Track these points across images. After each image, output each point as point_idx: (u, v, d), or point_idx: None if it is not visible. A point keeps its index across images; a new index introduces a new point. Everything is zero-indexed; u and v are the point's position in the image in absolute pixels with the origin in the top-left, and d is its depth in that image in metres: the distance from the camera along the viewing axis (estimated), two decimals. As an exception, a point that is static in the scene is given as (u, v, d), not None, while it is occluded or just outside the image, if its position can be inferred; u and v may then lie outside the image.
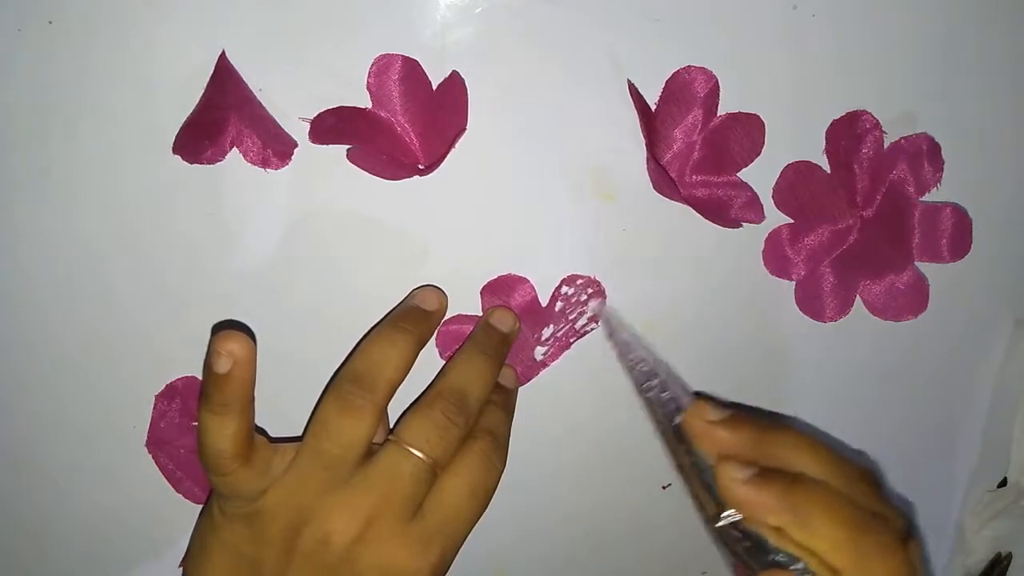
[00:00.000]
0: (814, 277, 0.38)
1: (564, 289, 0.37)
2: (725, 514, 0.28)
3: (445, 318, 0.37)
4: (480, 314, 0.37)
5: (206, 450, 0.31)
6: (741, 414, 0.30)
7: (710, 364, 0.39)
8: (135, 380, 0.37)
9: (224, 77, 0.33)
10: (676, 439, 0.31)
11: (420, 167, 0.35)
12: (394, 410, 0.34)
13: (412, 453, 0.31)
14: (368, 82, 0.34)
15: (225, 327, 0.34)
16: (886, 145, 0.37)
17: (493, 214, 0.37)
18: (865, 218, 0.37)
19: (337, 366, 0.35)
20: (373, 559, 0.30)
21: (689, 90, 0.35)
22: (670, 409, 0.32)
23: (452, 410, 0.32)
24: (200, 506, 0.38)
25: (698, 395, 0.33)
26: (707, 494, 0.29)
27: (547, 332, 0.38)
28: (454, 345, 0.37)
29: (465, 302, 0.37)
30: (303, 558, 0.31)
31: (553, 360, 0.38)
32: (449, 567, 0.32)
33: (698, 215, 0.36)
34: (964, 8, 0.36)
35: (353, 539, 0.30)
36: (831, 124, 0.37)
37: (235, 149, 0.35)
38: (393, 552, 0.31)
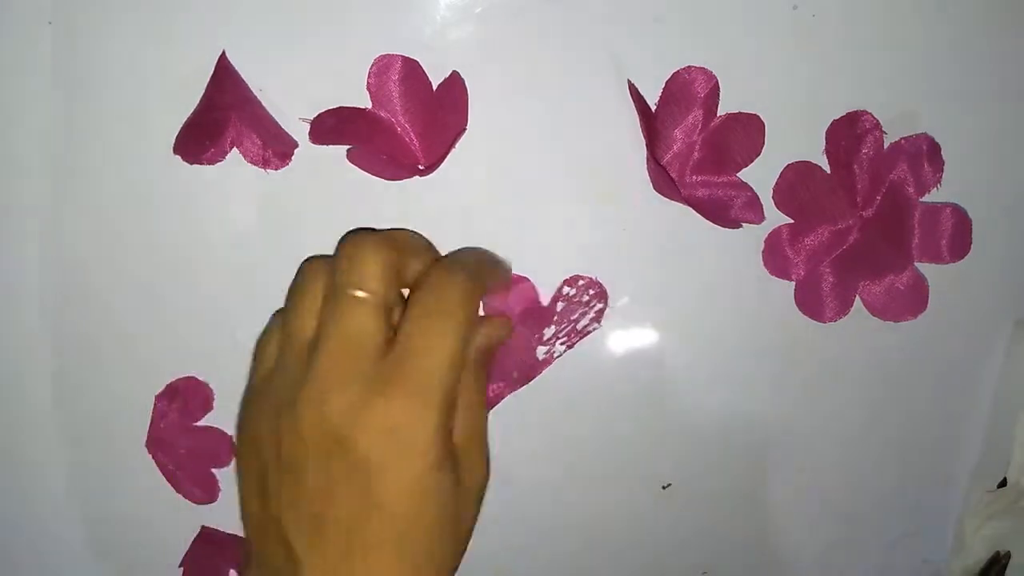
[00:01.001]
0: (814, 277, 0.38)
1: (566, 289, 0.37)
2: None
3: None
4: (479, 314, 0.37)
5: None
6: None
7: (710, 364, 0.39)
8: (135, 380, 0.37)
9: (224, 77, 0.33)
10: None
11: (420, 167, 0.35)
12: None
13: (356, 296, 0.29)
14: (368, 82, 0.34)
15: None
16: (886, 145, 0.37)
17: (493, 214, 0.37)
18: (865, 218, 0.37)
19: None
20: (370, 424, 0.28)
21: (689, 90, 0.35)
22: None
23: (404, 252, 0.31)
24: (200, 506, 0.38)
25: None
26: None
27: (548, 332, 0.38)
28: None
29: (465, 302, 0.37)
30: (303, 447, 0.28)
31: (553, 360, 0.38)
32: (450, 417, 0.29)
33: (698, 215, 0.36)
34: (965, 8, 0.36)
35: (342, 410, 0.28)
36: (831, 124, 0.37)
37: (235, 149, 0.35)
38: (387, 410, 0.28)
